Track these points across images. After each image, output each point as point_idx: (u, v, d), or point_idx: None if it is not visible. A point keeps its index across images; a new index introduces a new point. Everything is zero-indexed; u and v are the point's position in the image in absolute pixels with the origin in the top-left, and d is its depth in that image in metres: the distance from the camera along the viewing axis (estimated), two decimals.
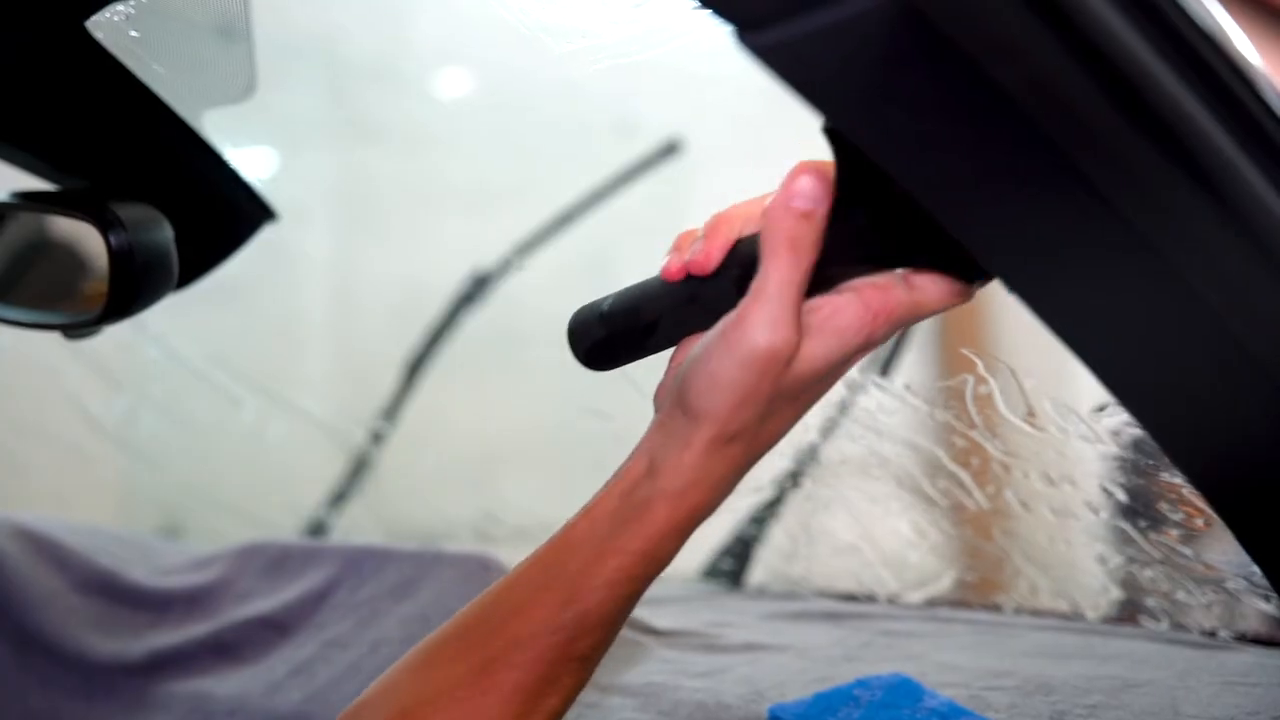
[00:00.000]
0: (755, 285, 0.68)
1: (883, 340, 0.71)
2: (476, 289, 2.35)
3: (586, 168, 2.32)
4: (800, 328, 0.68)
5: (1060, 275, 0.66)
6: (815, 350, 0.69)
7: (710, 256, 0.73)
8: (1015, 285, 0.66)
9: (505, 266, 2.34)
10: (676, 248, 0.76)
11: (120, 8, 0.95)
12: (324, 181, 2.82)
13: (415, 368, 2.32)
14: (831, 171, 0.68)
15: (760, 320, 0.67)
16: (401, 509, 2.40)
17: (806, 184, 0.68)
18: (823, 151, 0.68)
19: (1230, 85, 0.57)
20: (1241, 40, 0.58)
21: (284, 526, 2.15)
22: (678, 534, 0.71)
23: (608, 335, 0.78)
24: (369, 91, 2.84)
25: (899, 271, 0.70)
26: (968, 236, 0.64)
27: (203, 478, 2.46)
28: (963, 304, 0.71)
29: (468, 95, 3.02)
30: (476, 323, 2.31)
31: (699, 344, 0.71)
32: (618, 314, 0.78)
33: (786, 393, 0.69)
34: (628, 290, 0.78)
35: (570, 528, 0.72)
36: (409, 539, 2.35)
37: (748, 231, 0.73)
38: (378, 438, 2.27)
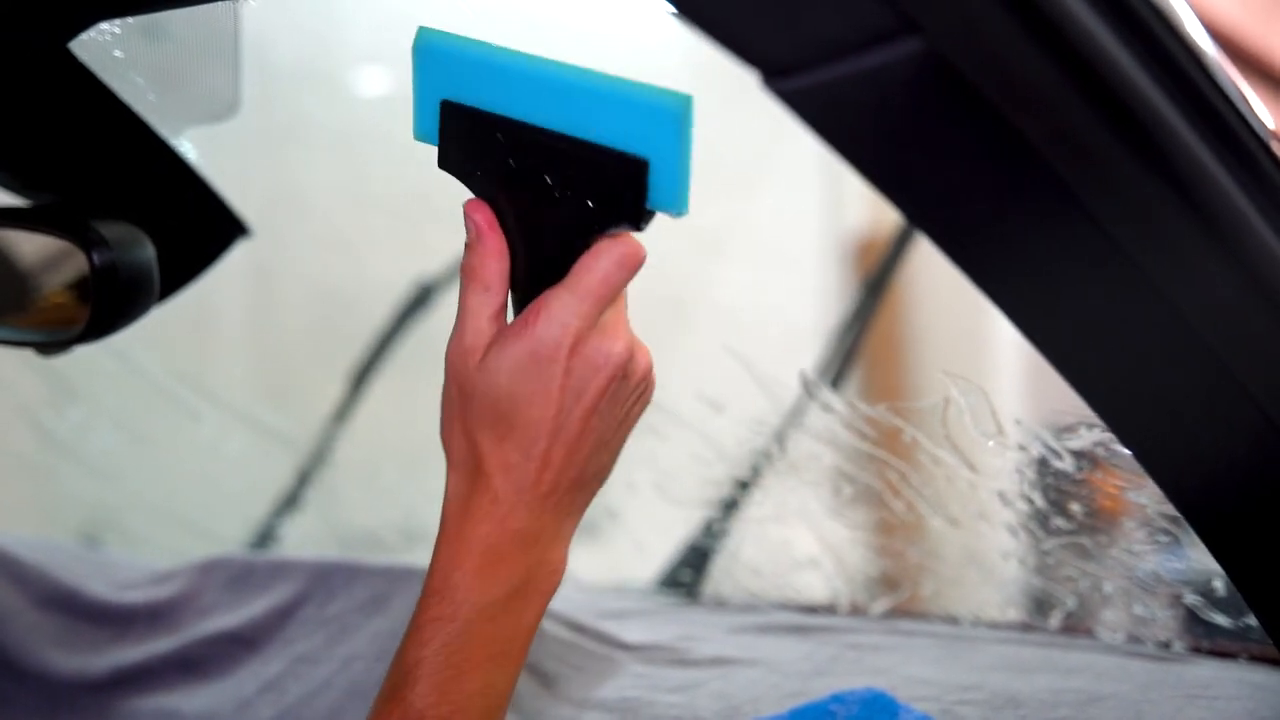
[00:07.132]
0: None
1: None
2: (422, 297, 2.34)
3: None
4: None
5: (1060, 305, 0.69)
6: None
7: None
8: (1014, 314, 0.68)
9: (451, 275, 2.34)
10: None
11: (105, 27, 0.95)
12: (247, 183, 2.78)
13: (362, 376, 2.31)
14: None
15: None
16: (343, 516, 2.39)
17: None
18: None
19: (1241, 136, 0.60)
20: (1249, 92, 0.61)
21: (227, 537, 2.13)
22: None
23: None
24: (295, 91, 2.82)
25: None
26: (975, 273, 0.66)
27: (126, 482, 2.42)
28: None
29: (393, 94, 3.00)
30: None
31: None
32: None
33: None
34: None
35: None
36: (350, 546, 2.35)
37: None
38: (323, 445, 2.25)
